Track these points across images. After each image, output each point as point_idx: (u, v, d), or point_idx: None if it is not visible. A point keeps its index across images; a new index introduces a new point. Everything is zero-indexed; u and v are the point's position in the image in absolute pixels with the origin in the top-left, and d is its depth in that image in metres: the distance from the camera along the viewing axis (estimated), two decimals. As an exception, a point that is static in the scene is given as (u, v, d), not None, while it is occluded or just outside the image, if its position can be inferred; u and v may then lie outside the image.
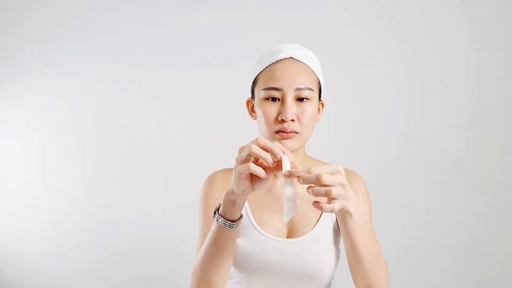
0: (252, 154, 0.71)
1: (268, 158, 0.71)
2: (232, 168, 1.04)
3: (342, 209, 0.73)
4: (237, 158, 0.74)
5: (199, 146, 2.19)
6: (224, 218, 0.80)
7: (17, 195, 2.42)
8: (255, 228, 0.95)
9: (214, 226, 0.83)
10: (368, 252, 0.84)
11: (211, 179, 1.04)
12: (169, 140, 2.26)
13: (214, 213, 0.83)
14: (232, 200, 0.78)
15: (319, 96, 0.99)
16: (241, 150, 0.74)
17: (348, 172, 0.98)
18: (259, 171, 0.71)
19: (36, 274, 2.37)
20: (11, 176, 2.44)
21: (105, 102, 2.34)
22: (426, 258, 2.06)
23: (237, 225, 0.82)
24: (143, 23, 2.29)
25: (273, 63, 0.94)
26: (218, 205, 0.84)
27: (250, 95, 1.02)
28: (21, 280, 2.39)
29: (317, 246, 0.94)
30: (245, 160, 0.73)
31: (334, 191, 0.68)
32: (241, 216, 0.83)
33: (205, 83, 2.22)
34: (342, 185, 0.70)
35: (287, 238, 0.96)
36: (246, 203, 0.98)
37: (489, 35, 2.04)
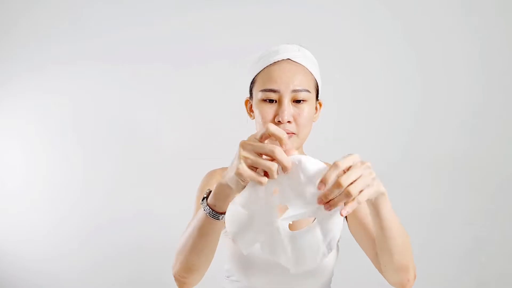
0: (270, 134, 0.65)
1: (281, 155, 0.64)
2: None
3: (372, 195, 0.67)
4: (244, 159, 0.66)
5: (199, 146, 2.19)
6: (213, 210, 0.76)
7: (17, 195, 2.42)
8: None
9: (200, 214, 0.79)
10: (401, 235, 0.81)
11: (210, 174, 1.05)
12: (169, 140, 2.26)
13: (203, 199, 0.79)
14: (225, 194, 0.74)
15: (317, 96, 0.99)
16: (244, 146, 0.66)
17: None
18: (263, 180, 0.65)
19: (36, 274, 2.37)
20: (11, 176, 2.44)
21: (105, 101, 2.33)
22: (427, 259, 2.05)
23: (224, 217, 0.77)
24: (143, 22, 2.29)
25: (270, 64, 0.94)
26: (207, 192, 0.80)
27: (248, 95, 1.02)
28: (21, 280, 2.38)
29: None
30: (252, 166, 0.66)
31: (355, 188, 0.62)
32: None
33: (206, 83, 2.22)
34: (365, 175, 0.64)
35: None
36: None
37: (491, 35, 2.03)
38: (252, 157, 0.65)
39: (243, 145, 0.66)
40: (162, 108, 2.28)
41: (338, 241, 1.00)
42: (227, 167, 1.05)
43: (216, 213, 0.76)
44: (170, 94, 2.27)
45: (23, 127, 2.42)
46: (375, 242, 0.89)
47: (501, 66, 2.02)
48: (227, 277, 1.01)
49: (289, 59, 0.94)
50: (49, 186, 2.39)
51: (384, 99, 2.10)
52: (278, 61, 0.93)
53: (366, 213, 0.96)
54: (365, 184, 0.64)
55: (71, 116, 2.37)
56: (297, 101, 0.92)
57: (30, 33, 2.40)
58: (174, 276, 0.86)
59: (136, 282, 2.26)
